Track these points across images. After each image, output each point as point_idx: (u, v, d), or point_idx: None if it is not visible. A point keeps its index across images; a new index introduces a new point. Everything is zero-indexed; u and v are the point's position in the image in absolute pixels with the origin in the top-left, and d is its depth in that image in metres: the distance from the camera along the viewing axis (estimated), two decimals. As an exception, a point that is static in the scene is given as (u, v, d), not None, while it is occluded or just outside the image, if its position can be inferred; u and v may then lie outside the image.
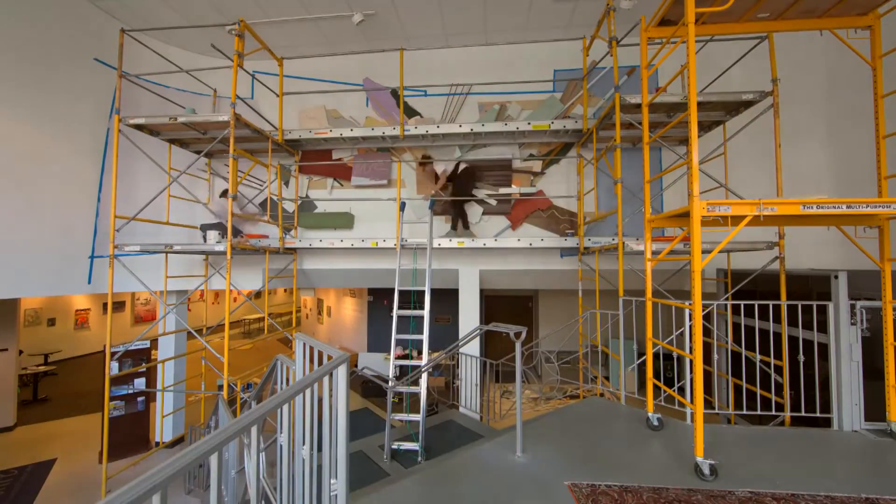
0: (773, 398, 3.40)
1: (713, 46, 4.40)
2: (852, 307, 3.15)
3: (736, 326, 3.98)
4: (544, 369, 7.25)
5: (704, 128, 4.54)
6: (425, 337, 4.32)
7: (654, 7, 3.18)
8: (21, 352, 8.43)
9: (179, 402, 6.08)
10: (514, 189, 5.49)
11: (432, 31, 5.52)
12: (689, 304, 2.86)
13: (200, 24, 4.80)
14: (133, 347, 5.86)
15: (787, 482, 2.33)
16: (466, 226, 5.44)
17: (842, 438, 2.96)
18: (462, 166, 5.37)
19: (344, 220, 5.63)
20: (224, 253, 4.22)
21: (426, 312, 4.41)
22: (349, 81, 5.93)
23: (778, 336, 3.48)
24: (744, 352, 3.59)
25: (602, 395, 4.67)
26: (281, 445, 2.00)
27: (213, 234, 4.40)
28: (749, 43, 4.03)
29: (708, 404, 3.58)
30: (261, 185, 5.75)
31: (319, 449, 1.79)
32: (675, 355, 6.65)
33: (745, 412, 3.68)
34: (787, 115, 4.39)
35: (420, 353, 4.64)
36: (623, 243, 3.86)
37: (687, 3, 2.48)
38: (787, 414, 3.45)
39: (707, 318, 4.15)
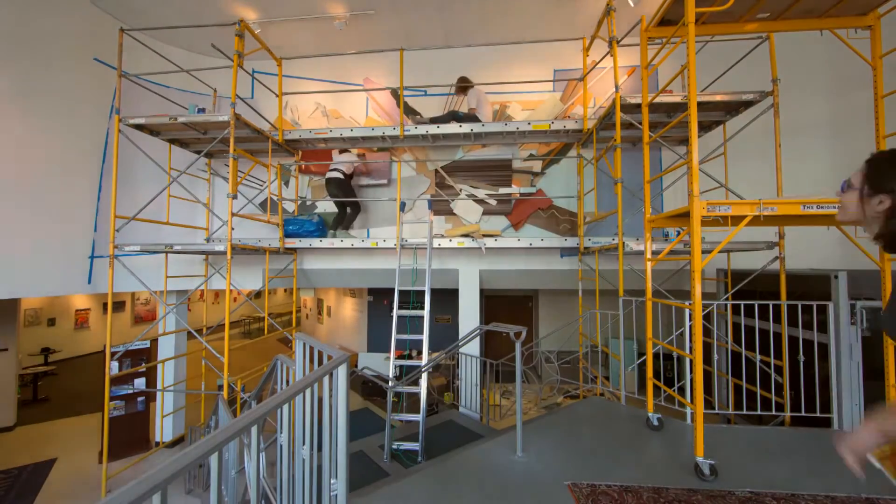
0: (773, 398, 3.40)
1: (713, 46, 4.39)
2: (852, 307, 3.15)
3: (736, 326, 3.97)
4: (544, 369, 7.26)
5: (704, 128, 4.54)
6: (425, 337, 4.32)
7: (654, 7, 3.18)
8: (19, 354, 8.42)
9: (179, 402, 6.08)
10: (514, 189, 5.49)
11: (432, 31, 5.52)
12: (689, 304, 2.86)
13: (200, 24, 4.80)
14: (133, 347, 5.85)
15: (787, 482, 2.33)
16: (347, 227, 5.43)
17: (842, 438, 2.96)
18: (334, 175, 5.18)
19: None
20: (224, 253, 4.22)
21: (426, 312, 4.40)
22: (349, 81, 5.93)
23: (778, 336, 3.48)
24: (744, 352, 3.59)
25: (602, 395, 4.67)
26: (281, 445, 2.01)
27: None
28: (749, 43, 4.03)
29: (708, 404, 3.58)
30: (261, 185, 5.75)
31: (319, 449, 1.79)
32: (675, 355, 6.65)
33: (745, 412, 3.69)
34: (788, 116, 4.39)
35: (420, 353, 4.63)
36: (623, 243, 3.86)
37: (687, 3, 2.49)
38: (787, 414, 3.45)
39: (707, 318, 4.15)
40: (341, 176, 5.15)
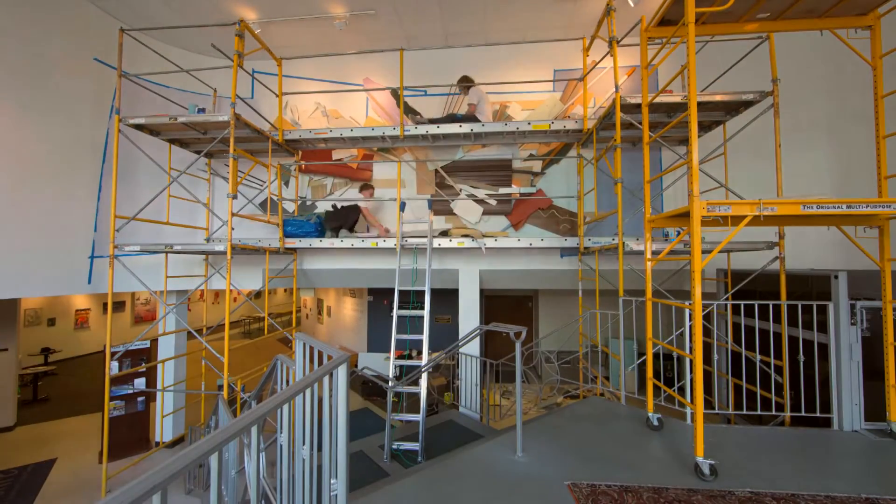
0: (773, 398, 3.40)
1: (713, 46, 4.40)
2: (852, 307, 3.15)
3: (736, 326, 3.98)
4: (544, 369, 7.26)
5: (704, 128, 4.54)
6: (425, 337, 4.32)
7: (654, 7, 3.18)
8: (19, 354, 8.42)
9: (179, 402, 6.08)
10: (514, 189, 5.49)
11: (432, 31, 5.52)
12: (689, 304, 2.86)
13: (200, 24, 4.80)
14: (133, 347, 5.86)
15: (787, 482, 2.33)
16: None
17: (842, 438, 2.96)
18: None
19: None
20: (224, 253, 4.22)
21: (426, 312, 4.41)
22: (349, 81, 5.93)
23: (778, 336, 3.48)
24: (744, 352, 3.59)
25: (602, 395, 4.67)
26: (281, 445, 2.01)
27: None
28: (750, 43, 4.03)
29: (708, 404, 3.58)
30: (261, 186, 5.75)
31: (319, 449, 1.79)
32: (675, 355, 6.65)
33: (745, 412, 3.69)
34: (788, 116, 4.39)
35: (420, 353, 4.64)
36: (623, 243, 3.86)
37: (687, 3, 2.49)
38: (787, 414, 3.45)
39: (707, 318, 4.15)
40: (332, 209, 5.28)
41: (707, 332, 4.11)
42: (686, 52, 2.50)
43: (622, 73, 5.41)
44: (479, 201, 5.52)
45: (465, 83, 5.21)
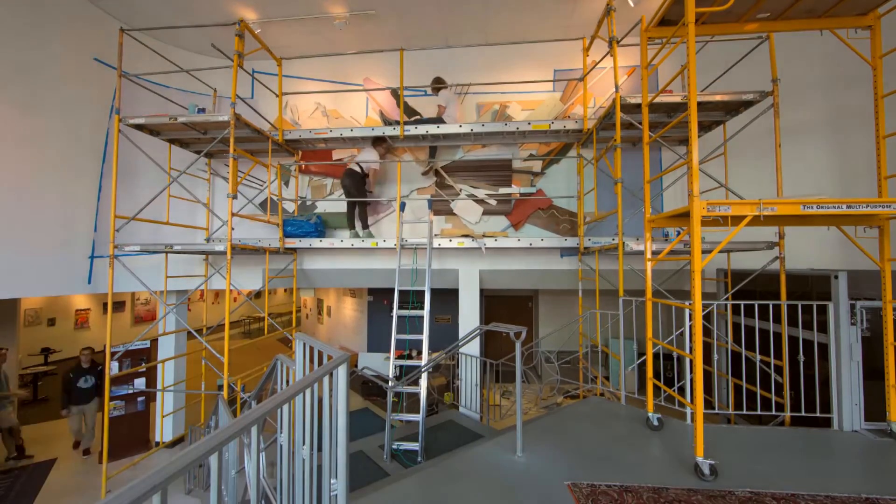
0: (773, 398, 3.40)
1: (713, 46, 4.40)
2: (852, 307, 3.15)
3: (736, 326, 3.98)
4: (544, 369, 7.26)
5: (704, 128, 4.54)
6: (425, 337, 4.32)
7: (654, 7, 3.18)
8: (19, 354, 8.41)
9: (179, 402, 6.08)
10: (514, 189, 5.50)
11: (432, 31, 5.52)
12: (689, 304, 2.86)
13: (200, 24, 4.80)
14: (133, 347, 5.85)
15: (787, 482, 2.33)
16: (365, 225, 5.36)
17: (842, 438, 2.96)
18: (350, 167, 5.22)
19: (344, 220, 5.62)
20: (224, 253, 4.22)
21: (426, 312, 4.41)
22: (349, 81, 5.93)
23: (778, 336, 3.48)
24: (744, 352, 3.59)
25: (602, 395, 4.67)
26: (281, 445, 2.01)
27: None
28: (749, 43, 4.03)
29: (708, 404, 3.58)
30: (261, 186, 5.75)
31: (319, 449, 1.79)
32: (675, 355, 6.65)
33: (745, 412, 3.69)
34: (788, 115, 4.39)
35: (420, 353, 4.64)
36: (623, 243, 3.86)
37: (687, 3, 2.49)
38: (787, 414, 3.45)
39: (707, 318, 4.15)
40: (358, 170, 5.18)
41: (707, 332, 4.11)
42: (686, 52, 2.50)
43: (622, 73, 5.41)
44: (479, 201, 5.52)
45: (437, 84, 5.25)
